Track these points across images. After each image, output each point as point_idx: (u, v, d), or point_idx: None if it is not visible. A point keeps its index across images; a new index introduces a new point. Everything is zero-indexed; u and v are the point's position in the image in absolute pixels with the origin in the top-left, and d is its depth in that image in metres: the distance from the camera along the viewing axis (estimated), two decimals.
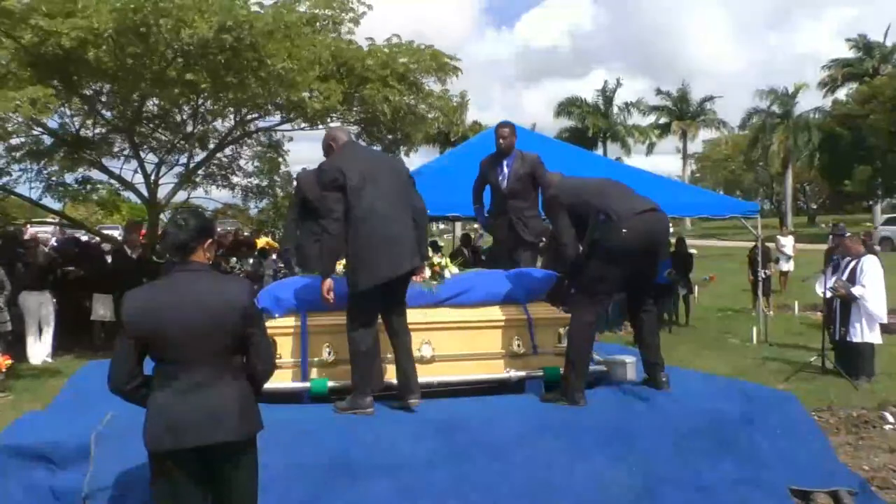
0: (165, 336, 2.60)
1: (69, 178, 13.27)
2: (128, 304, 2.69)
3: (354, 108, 11.36)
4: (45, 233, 17.73)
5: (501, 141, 5.59)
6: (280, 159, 13.98)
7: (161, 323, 2.60)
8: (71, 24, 7.82)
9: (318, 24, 9.90)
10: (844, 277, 7.52)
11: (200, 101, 11.28)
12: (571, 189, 4.34)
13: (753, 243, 11.78)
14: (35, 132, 11.49)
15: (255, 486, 2.76)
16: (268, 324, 4.15)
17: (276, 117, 12.64)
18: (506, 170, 5.60)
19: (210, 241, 2.79)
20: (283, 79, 9.03)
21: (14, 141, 11.37)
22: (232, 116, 12.28)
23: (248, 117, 12.35)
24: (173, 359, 2.61)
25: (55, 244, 13.72)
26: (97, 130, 11.99)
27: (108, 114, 11.67)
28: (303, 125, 12.27)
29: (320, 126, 11.79)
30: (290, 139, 14.00)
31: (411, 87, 10.91)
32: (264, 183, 13.91)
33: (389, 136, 12.60)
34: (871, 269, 7.43)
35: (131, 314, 2.65)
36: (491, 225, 5.88)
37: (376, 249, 3.84)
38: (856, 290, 7.35)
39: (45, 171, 12.58)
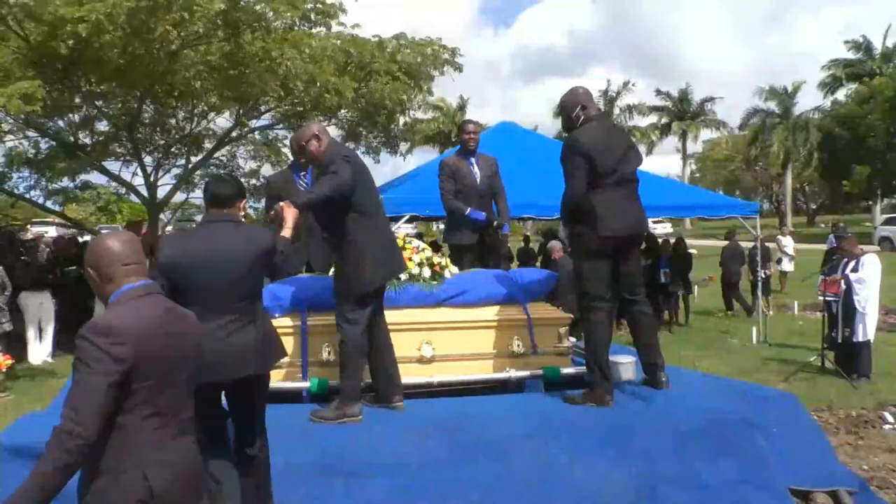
0: (201, 280, 2.87)
1: (68, 182, 13.34)
2: (166, 248, 2.99)
3: (361, 103, 11.34)
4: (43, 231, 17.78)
5: (471, 138, 5.45)
6: (285, 157, 14.06)
7: (198, 268, 2.88)
8: (89, 8, 7.82)
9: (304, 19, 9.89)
10: None
11: (197, 102, 11.30)
12: (594, 148, 4.05)
13: (753, 243, 11.78)
14: (32, 135, 11.53)
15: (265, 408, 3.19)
16: None
17: (272, 117, 12.70)
18: (476, 169, 5.46)
19: (244, 200, 3.17)
20: (296, 73, 9.09)
21: (10, 143, 11.40)
22: (230, 114, 12.32)
23: (246, 116, 12.38)
24: (207, 301, 2.85)
25: (52, 238, 13.76)
26: (97, 138, 12.03)
27: (104, 123, 11.74)
28: (300, 123, 12.31)
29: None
30: (286, 137, 14.07)
31: (415, 80, 10.92)
32: (262, 181, 13.97)
33: (383, 134, 12.61)
34: (870, 264, 7.45)
35: (168, 257, 2.91)
36: (462, 231, 5.42)
37: (385, 247, 3.88)
38: (852, 275, 7.35)
39: (44, 180, 12.64)
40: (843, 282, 7.42)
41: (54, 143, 11.72)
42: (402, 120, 12.53)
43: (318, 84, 9.55)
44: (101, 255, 2.20)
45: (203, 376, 2.77)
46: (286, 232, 3.36)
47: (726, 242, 12.90)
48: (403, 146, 13.85)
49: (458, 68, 11.27)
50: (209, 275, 2.88)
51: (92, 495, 2.07)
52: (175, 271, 2.88)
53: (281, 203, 3.49)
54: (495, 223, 5.46)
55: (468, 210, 5.33)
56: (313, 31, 9.84)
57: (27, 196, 12.75)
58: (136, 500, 2.08)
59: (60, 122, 11.48)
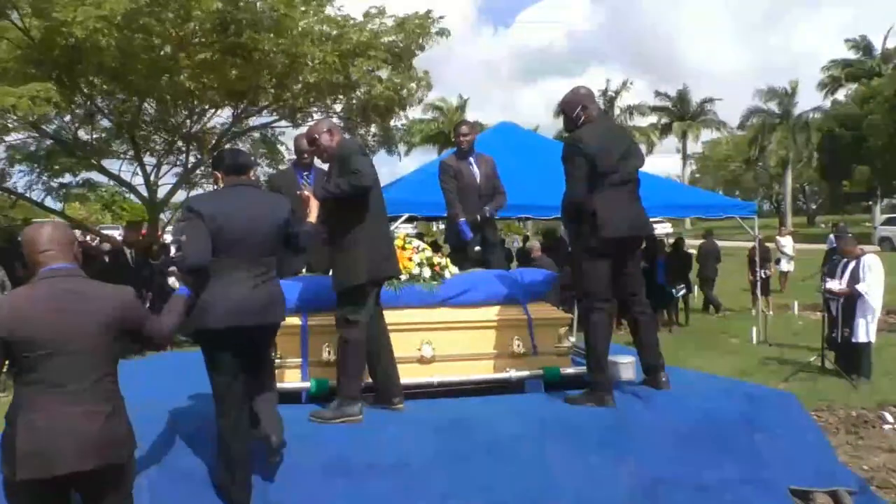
0: (235, 234, 3.11)
1: (69, 179, 13.35)
2: (202, 204, 3.16)
3: (352, 93, 11.27)
4: None
5: (464, 140, 5.46)
6: (281, 155, 14.06)
7: (232, 222, 3.11)
8: (84, 12, 7.84)
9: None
10: (845, 279, 7.51)
11: (199, 102, 11.29)
12: (595, 148, 4.03)
13: (753, 243, 11.79)
14: (34, 135, 11.52)
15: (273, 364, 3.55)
16: None
17: (272, 115, 12.68)
18: (475, 169, 5.47)
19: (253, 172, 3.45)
20: (280, 60, 9.07)
21: (13, 139, 11.39)
22: (229, 111, 12.33)
23: (245, 113, 12.36)
24: (237, 254, 3.13)
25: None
26: (96, 135, 12.03)
27: (105, 121, 11.71)
28: (299, 121, 12.31)
29: (312, 117, 11.84)
30: (283, 133, 14.10)
31: (398, 60, 10.83)
32: (263, 178, 13.96)
33: (381, 132, 12.54)
34: (874, 265, 7.44)
35: (210, 210, 3.10)
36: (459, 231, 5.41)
37: (386, 246, 3.89)
38: (860, 286, 7.34)
39: (45, 175, 12.66)
40: (847, 289, 7.42)
41: (53, 141, 11.71)
42: (401, 114, 12.44)
43: (297, 57, 9.41)
44: (24, 245, 2.53)
45: (232, 320, 3.10)
46: (312, 218, 3.59)
47: (703, 241, 13.51)
48: (402, 149, 13.78)
49: (445, 34, 11.13)
50: (242, 230, 3.13)
51: None
52: (216, 223, 3.09)
53: (305, 191, 3.69)
54: (488, 213, 5.47)
55: (461, 220, 5.31)
56: (297, 16, 9.76)
57: (27, 194, 12.75)
58: (7, 460, 2.29)
59: (59, 121, 11.48)
